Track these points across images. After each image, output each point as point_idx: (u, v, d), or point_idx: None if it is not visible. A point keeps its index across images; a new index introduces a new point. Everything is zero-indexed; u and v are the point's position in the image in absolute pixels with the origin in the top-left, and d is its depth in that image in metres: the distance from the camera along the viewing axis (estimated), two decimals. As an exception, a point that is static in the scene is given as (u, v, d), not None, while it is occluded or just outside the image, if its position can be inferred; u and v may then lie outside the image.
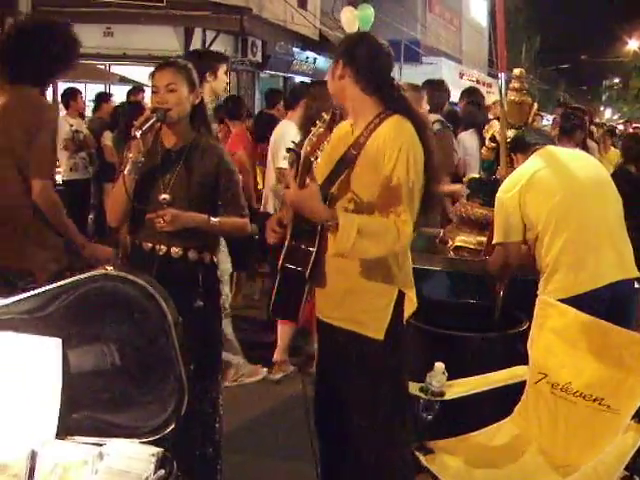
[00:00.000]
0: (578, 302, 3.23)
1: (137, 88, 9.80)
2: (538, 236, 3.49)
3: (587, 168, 3.67)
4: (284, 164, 5.04)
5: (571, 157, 3.75)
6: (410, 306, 2.94)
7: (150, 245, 3.17)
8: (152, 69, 3.24)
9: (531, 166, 3.60)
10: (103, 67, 16.66)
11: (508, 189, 3.58)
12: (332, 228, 2.66)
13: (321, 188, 2.75)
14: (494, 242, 3.65)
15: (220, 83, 4.67)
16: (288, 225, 2.89)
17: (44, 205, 3.51)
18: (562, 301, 3.23)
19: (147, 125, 3.03)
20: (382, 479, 2.95)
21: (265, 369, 5.18)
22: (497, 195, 3.66)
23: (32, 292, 2.38)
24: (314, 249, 2.80)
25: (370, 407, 2.88)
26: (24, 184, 3.47)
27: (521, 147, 3.79)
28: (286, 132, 5.27)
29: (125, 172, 3.07)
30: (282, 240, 2.92)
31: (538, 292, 3.47)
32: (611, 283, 3.41)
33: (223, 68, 4.71)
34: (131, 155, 3.05)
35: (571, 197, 3.49)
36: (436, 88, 6.24)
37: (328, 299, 2.92)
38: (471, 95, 7.37)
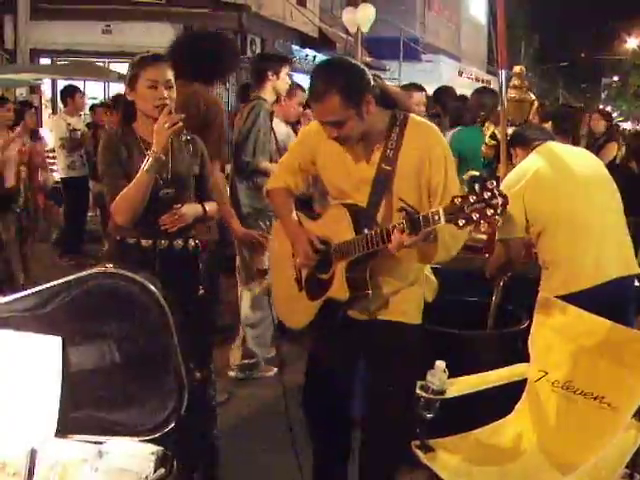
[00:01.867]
0: (579, 299, 3.23)
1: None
2: (541, 233, 3.48)
3: (588, 165, 3.67)
4: None
5: (572, 154, 3.74)
6: (433, 287, 3.09)
7: (150, 242, 3.12)
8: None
9: (533, 163, 3.59)
10: (102, 64, 16.67)
11: (511, 185, 3.57)
12: (429, 242, 2.62)
13: (368, 208, 2.80)
14: (497, 238, 3.65)
15: (282, 83, 4.97)
16: (341, 256, 2.84)
17: (220, 180, 4.05)
18: (563, 298, 3.23)
19: (180, 123, 3.00)
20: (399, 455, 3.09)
21: (276, 368, 5.19)
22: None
23: (32, 290, 2.37)
24: (368, 268, 2.80)
25: (404, 385, 2.93)
26: None
27: (521, 142, 3.78)
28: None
29: (145, 169, 2.97)
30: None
31: (539, 289, 3.47)
32: (612, 280, 3.41)
33: (286, 69, 4.96)
34: (155, 152, 2.97)
35: (574, 194, 3.49)
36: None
37: (374, 300, 2.92)
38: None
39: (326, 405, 3.15)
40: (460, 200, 2.39)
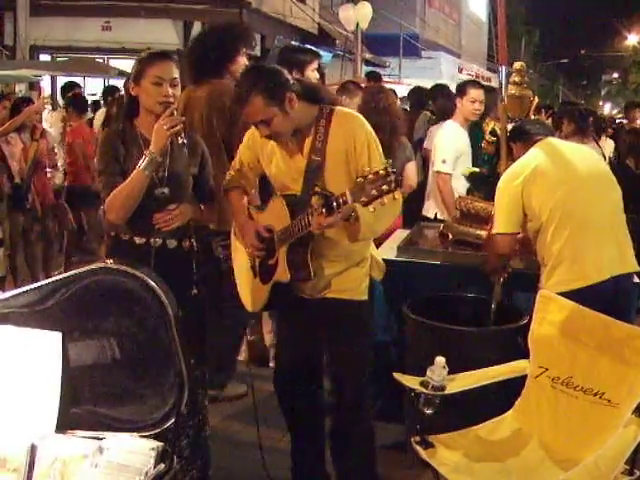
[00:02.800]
0: (579, 296, 3.22)
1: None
2: (541, 229, 3.47)
3: (588, 161, 3.66)
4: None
5: (572, 150, 3.73)
6: (381, 267, 3.32)
7: (144, 239, 3.11)
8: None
9: (533, 158, 3.58)
10: (102, 61, 16.66)
11: (510, 180, 3.56)
12: (352, 221, 2.83)
13: (301, 196, 3.01)
14: (493, 232, 3.64)
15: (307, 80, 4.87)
16: (281, 241, 3.07)
17: None
18: (563, 294, 3.22)
19: (180, 125, 3.00)
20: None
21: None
22: (499, 185, 3.63)
23: (32, 286, 2.37)
24: (308, 251, 3.02)
25: (361, 356, 3.25)
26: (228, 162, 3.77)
27: (521, 137, 3.77)
28: None
29: (140, 168, 2.97)
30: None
31: (539, 285, 3.46)
32: (612, 277, 3.40)
33: (313, 65, 4.85)
34: (152, 152, 2.96)
35: (575, 190, 3.48)
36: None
37: (320, 280, 3.14)
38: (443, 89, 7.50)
39: (296, 386, 3.36)
40: (362, 180, 2.59)
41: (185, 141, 3.05)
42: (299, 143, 3.07)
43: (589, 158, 3.71)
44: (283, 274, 3.07)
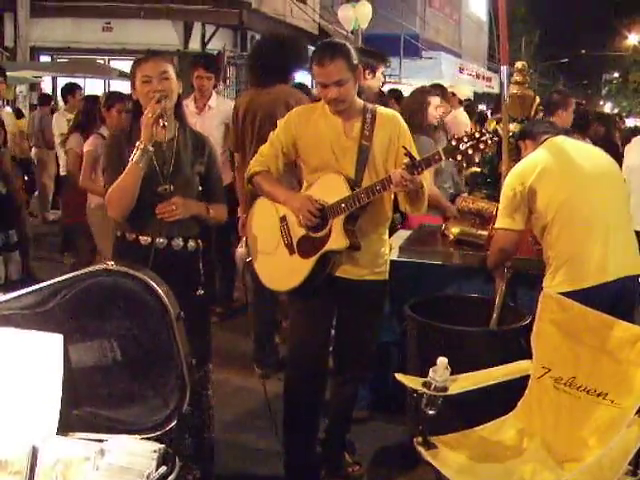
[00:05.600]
0: (584, 296, 3.21)
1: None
2: (546, 228, 3.47)
3: (597, 161, 3.64)
4: None
5: (581, 150, 3.72)
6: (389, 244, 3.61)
7: (149, 239, 3.11)
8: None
9: (542, 156, 3.57)
10: (102, 62, 16.66)
11: (517, 177, 3.55)
12: (419, 192, 3.19)
13: (355, 177, 3.29)
14: (496, 226, 3.63)
15: (377, 82, 5.07)
16: (340, 211, 3.24)
17: None
18: (567, 294, 3.21)
19: (167, 114, 3.02)
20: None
21: None
22: (506, 181, 3.62)
23: (32, 287, 2.36)
24: (357, 224, 3.28)
25: (377, 328, 3.62)
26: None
27: (531, 135, 3.76)
28: None
29: (133, 161, 2.99)
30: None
31: (543, 285, 3.45)
32: (617, 279, 3.39)
33: (382, 68, 5.09)
34: (142, 142, 2.98)
35: (581, 190, 3.47)
36: None
37: (360, 261, 3.37)
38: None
39: (313, 360, 3.45)
40: (456, 140, 2.97)
41: (166, 124, 3.02)
42: (346, 125, 3.34)
43: (597, 157, 3.69)
44: (340, 241, 3.25)
